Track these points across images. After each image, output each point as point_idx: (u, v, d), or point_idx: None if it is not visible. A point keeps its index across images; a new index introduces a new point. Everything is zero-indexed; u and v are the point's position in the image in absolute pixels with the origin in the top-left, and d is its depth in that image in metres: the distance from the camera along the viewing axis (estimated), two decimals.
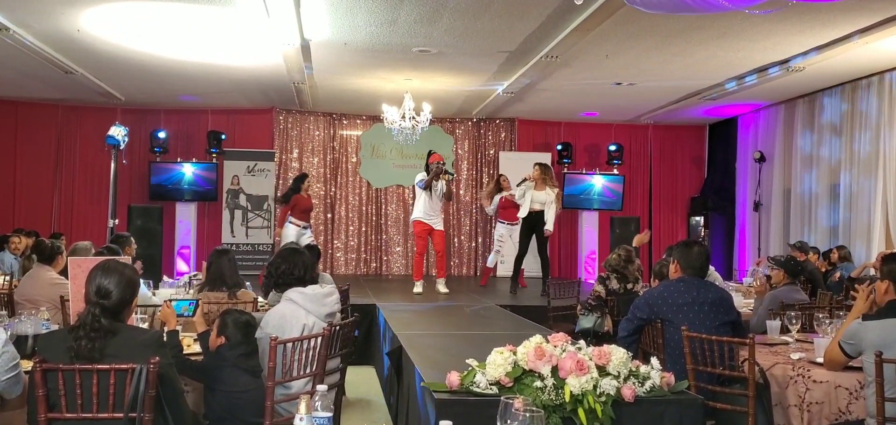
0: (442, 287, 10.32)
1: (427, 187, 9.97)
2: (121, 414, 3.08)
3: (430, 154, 10.26)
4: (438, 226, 10.17)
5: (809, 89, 11.84)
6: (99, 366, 3.07)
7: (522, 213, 10.57)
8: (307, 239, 10.53)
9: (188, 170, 13.82)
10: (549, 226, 10.47)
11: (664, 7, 7.60)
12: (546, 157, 14.13)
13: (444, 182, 9.99)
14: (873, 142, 10.77)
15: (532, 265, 11.60)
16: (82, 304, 3.29)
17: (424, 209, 10.08)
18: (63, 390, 3.08)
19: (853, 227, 11.16)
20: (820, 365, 4.47)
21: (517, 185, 10.85)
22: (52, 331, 3.93)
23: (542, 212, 10.43)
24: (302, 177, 11.23)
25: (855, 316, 4.35)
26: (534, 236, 10.66)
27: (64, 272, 6.20)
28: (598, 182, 14.68)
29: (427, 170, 10.10)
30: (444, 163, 10.09)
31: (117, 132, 11.17)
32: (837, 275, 9.99)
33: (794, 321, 5.41)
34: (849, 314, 4.56)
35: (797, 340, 5.30)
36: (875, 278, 5.07)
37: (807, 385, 4.36)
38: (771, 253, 11.63)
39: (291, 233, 10.66)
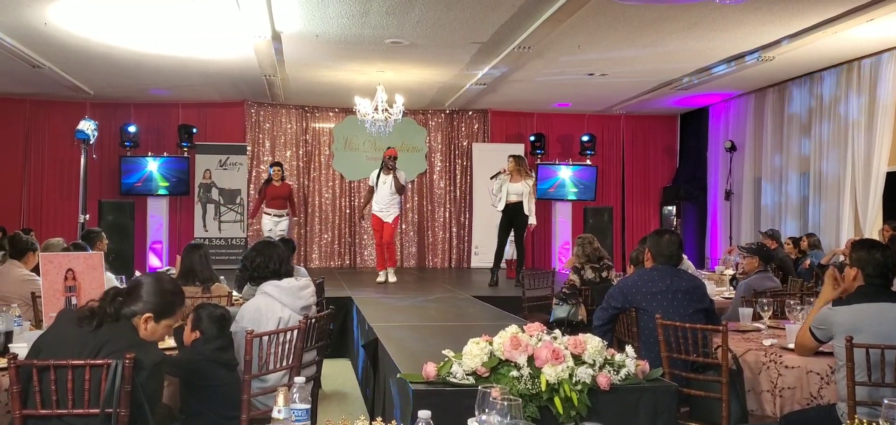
0: (391, 276, 10.62)
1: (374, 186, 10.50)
2: (97, 410, 3.05)
3: (387, 148, 10.72)
4: (387, 219, 10.54)
5: (779, 78, 11.97)
6: (74, 362, 3.05)
7: (500, 206, 10.58)
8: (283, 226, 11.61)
9: (159, 165, 13.70)
10: (533, 218, 10.55)
11: None
12: (519, 148, 14.17)
13: (392, 176, 10.37)
14: (841, 130, 10.91)
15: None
16: (54, 301, 3.24)
17: (378, 202, 10.51)
18: (38, 386, 3.05)
19: (822, 215, 11.31)
20: (791, 350, 4.53)
21: (491, 178, 10.87)
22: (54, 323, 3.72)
23: (519, 204, 10.42)
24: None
25: (823, 301, 4.38)
26: (513, 228, 10.66)
27: (35, 269, 6.11)
28: (571, 173, 14.73)
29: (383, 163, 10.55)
30: (394, 159, 10.48)
31: (87, 126, 10.98)
32: (808, 262, 10.12)
33: (765, 308, 5.47)
34: (817, 300, 4.60)
35: (769, 327, 5.36)
36: (844, 264, 5.14)
37: (779, 370, 4.42)
38: (742, 241, 11.75)
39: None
